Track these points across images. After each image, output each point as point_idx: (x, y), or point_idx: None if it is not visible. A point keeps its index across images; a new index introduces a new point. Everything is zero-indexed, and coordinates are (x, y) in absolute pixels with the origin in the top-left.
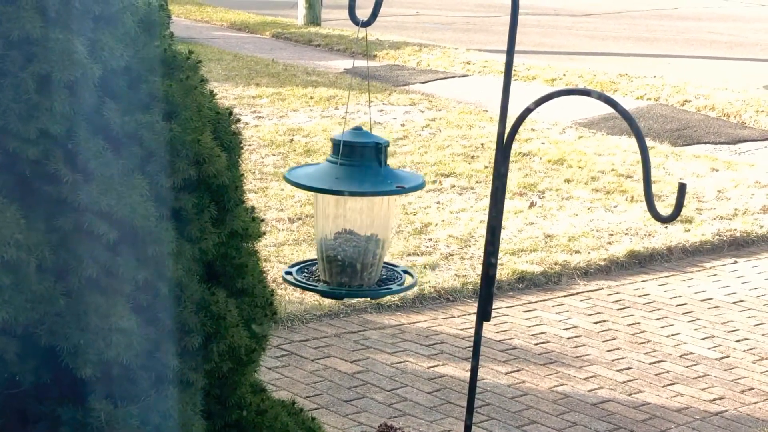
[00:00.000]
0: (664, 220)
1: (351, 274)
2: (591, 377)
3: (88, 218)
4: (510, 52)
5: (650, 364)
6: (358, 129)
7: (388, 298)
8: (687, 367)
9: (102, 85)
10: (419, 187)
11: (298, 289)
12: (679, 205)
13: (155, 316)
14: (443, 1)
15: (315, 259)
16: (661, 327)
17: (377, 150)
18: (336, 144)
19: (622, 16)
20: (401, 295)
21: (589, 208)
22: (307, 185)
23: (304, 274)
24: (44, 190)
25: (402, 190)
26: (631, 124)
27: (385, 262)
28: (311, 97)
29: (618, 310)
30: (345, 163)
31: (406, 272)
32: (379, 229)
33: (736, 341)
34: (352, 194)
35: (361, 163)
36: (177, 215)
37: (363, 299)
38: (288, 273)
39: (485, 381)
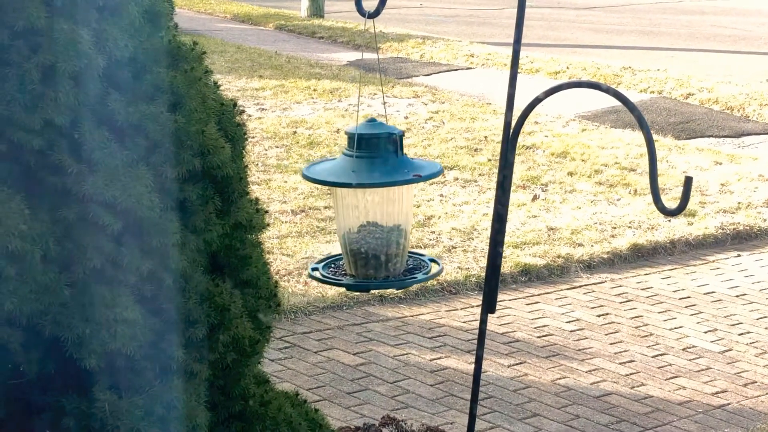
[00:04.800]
0: (671, 213)
1: (376, 266)
2: (594, 370)
3: (93, 209)
4: (517, 41)
5: (653, 357)
6: (372, 120)
7: (391, 290)
8: (690, 360)
9: (106, 76)
10: (437, 174)
11: (323, 284)
12: (685, 198)
13: (159, 307)
14: None
15: (340, 254)
16: (664, 320)
17: (392, 140)
18: (351, 137)
19: (625, 10)
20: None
21: (593, 201)
22: (325, 180)
23: (331, 269)
24: (49, 180)
25: (419, 179)
26: (641, 122)
27: (410, 252)
28: (314, 90)
29: (621, 303)
30: (361, 156)
31: (432, 261)
32: (401, 218)
33: (739, 335)
34: (370, 186)
35: (377, 154)
36: (181, 206)
37: (388, 290)
38: (314, 269)
39: (488, 373)
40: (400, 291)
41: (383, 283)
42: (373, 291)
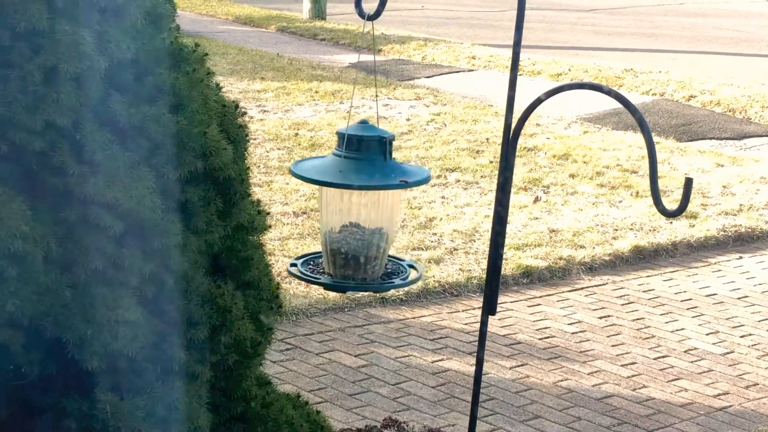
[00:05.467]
0: (671, 215)
1: (355, 267)
2: (595, 372)
3: (94, 210)
4: (517, 43)
5: (654, 359)
6: (364, 122)
7: (392, 291)
8: (691, 362)
9: (108, 77)
10: (424, 181)
11: (302, 282)
12: (685, 199)
13: (161, 309)
14: None
15: (320, 252)
16: (666, 322)
17: (382, 143)
18: (341, 137)
19: (627, 12)
20: (406, 289)
21: (594, 203)
22: (311, 178)
23: (310, 266)
24: (50, 181)
25: (405, 185)
26: (641, 124)
27: (390, 256)
28: (316, 92)
29: (623, 305)
30: (350, 157)
31: (411, 266)
32: (384, 222)
33: (741, 337)
34: (354, 188)
35: (366, 156)
36: (183, 208)
37: (367, 293)
38: (293, 265)
39: (489, 375)
40: (401, 292)
41: (360, 285)
42: (351, 292)
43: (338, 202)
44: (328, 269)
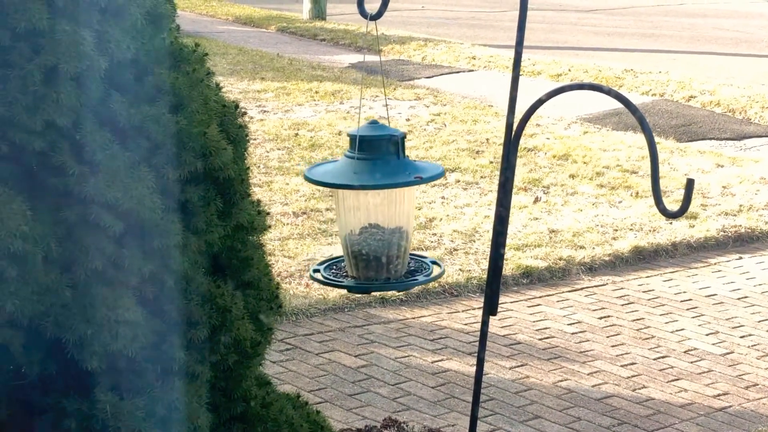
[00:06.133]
0: (672, 215)
1: (377, 268)
2: (595, 372)
3: (95, 210)
4: (519, 43)
5: (654, 359)
6: (373, 122)
7: (392, 291)
8: (691, 362)
9: (108, 77)
10: (438, 176)
11: (325, 286)
12: (687, 200)
13: (161, 309)
14: None
15: (342, 256)
16: (666, 323)
17: (394, 142)
18: (353, 138)
19: (627, 12)
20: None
21: (594, 203)
22: (328, 182)
23: (332, 270)
24: (50, 181)
25: (420, 181)
26: (642, 124)
27: (411, 254)
28: (316, 92)
29: (622, 305)
30: (363, 158)
31: (434, 263)
32: (403, 220)
33: (741, 337)
34: (373, 187)
35: (379, 156)
36: (183, 208)
37: (392, 292)
38: (316, 271)
39: (489, 376)
40: (401, 293)
41: (384, 285)
42: (374, 293)
43: (355, 204)
44: (351, 272)
